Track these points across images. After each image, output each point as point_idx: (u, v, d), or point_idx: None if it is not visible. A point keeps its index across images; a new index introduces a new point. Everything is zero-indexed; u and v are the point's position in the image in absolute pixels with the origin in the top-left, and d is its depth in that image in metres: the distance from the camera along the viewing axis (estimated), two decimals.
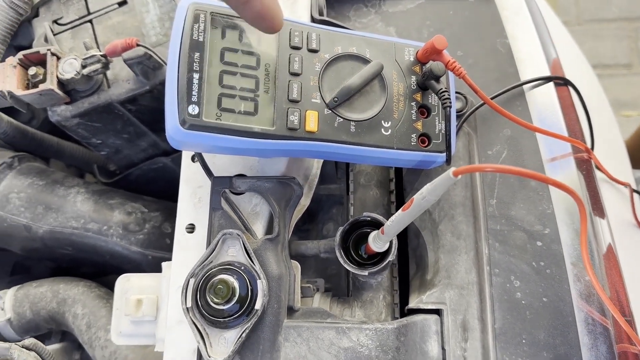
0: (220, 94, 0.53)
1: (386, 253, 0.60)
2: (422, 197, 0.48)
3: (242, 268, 0.53)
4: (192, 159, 0.63)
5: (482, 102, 0.64)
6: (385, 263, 0.59)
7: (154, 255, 0.77)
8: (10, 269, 0.93)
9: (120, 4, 0.76)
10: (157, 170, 0.86)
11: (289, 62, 0.55)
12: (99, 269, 0.86)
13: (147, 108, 0.73)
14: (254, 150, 0.54)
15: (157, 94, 0.71)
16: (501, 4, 0.73)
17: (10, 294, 0.76)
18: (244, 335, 0.51)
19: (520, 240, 0.62)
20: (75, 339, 0.77)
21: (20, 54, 0.68)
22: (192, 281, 0.53)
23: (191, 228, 0.60)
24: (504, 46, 0.71)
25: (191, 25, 0.53)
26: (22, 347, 0.64)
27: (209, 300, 0.51)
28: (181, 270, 0.58)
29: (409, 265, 0.69)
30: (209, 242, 0.57)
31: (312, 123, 0.54)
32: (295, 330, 0.55)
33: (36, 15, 0.77)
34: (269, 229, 0.59)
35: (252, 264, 0.53)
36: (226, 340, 0.52)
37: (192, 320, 0.51)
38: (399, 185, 0.74)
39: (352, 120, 0.56)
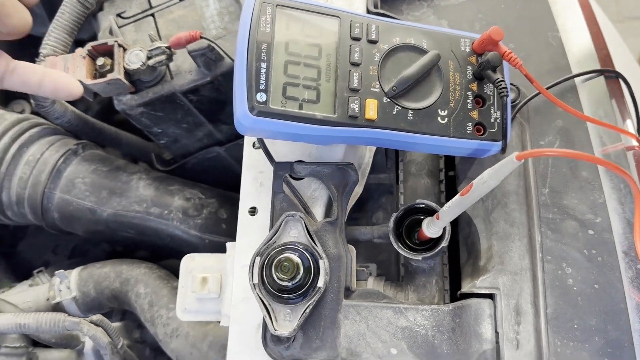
0: (285, 83, 0.56)
1: (439, 239, 0.62)
2: (483, 181, 0.49)
3: (304, 248, 0.56)
4: (254, 145, 0.65)
5: (537, 92, 0.65)
6: (439, 248, 0.61)
7: (210, 240, 0.80)
8: (69, 253, 0.98)
9: None
10: (211, 160, 0.90)
11: (350, 52, 0.58)
12: (158, 253, 0.89)
13: (206, 99, 0.77)
14: (315, 137, 0.57)
15: (217, 85, 0.75)
16: None
17: (74, 273, 0.80)
18: (307, 310, 0.53)
19: (572, 229, 0.63)
20: (135, 318, 0.81)
21: (88, 45, 0.72)
22: (257, 259, 0.55)
23: (253, 211, 0.63)
24: (555, 39, 0.72)
25: (258, 17, 0.56)
26: (90, 322, 0.68)
27: (274, 277, 0.54)
28: (245, 250, 0.61)
29: (459, 252, 0.71)
30: (271, 224, 0.60)
31: (371, 111, 0.57)
32: (354, 309, 0.58)
33: (101, 9, 0.82)
34: (327, 213, 0.62)
35: (313, 244, 0.56)
36: (290, 315, 0.54)
37: (259, 296, 0.54)
38: (449, 174, 0.75)
39: (410, 109, 0.58)
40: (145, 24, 0.79)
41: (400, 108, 0.57)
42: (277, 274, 0.54)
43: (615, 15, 2.67)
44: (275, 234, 0.57)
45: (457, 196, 0.53)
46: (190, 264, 0.65)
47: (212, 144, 0.88)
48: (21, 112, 0.95)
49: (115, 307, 0.80)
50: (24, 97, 0.99)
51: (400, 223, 0.64)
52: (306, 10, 0.59)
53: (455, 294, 0.70)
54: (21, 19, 0.58)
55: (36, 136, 0.85)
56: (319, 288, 0.54)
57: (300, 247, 0.56)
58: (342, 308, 0.57)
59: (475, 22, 0.74)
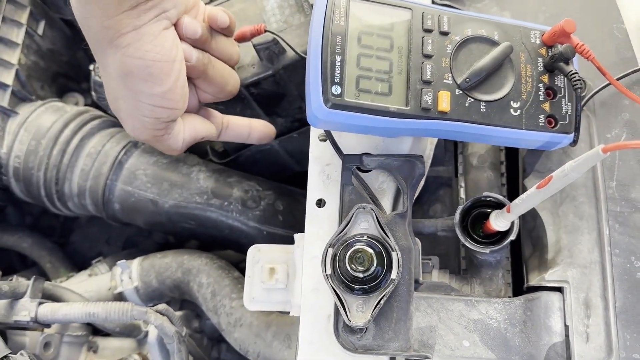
0: (358, 76, 0.56)
1: (506, 232, 0.61)
2: (565, 174, 0.49)
3: (377, 240, 0.56)
4: (320, 139, 0.66)
5: (606, 84, 0.65)
6: (507, 241, 0.61)
7: (268, 231, 0.81)
8: (122, 244, 1.00)
9: None
10: (264, 152, 0.91)
11: (422, 44, 0.58)
12: (211, 243, 0.91)
13: (266, 92, 0.77)
14: (388, 129, 0.57)
15: (278, 78, 0.75)
16: None
17: (136, 264, 0.82)
18: (382, 302, 0.54)
19: None
20: (193, 308, 0.82)
21: None
22: (330, 251, 0.56)
23: (320, 202, 0.63)
24: (620, 31, 0.71)
25: (332, 10, 0.57)
26: (156, 311, 0.69)
27: (348, 268, 0.55)
28: (314, 242, 0.61)
29: (520, 245, 0.71)
30: (340, 216, 0.60)
31: (444, 103, 0.57)
32: (425, 301, 0.58)
33: None
34: (394, 205, 0.62)
35: (385, 237, 0.56)
36: (363, 306, 0.55)
37: (332, 287, 0.54)
38: (510, 167, 0.75)
39: (483, 101, 0.57)
40: None
41: (473, 100, 0.57)
42: (352, 265, 0.54)
43: None
44: (347, 225, 0.57)
45: (533, 189, 0.53)
46: (257, 254, 0.65)
47: None
48: (75, 105, 0.97)
49: (176, 297, 0.82)
50: (78, 90, 1.01)
51: (465, 216, 0.64)
52: (378, 2, 0.59)
53: (518, 287, 0.70)
54: (235, 84, 0.68)
55: (97, 128, 0.86)
56: (393, 280, 0.54)
57: (372, 239, 0.56)
58: (413, 300, 0.57)
59: (539, 13, 0.73)
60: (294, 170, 1.00)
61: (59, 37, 0.96)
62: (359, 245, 0.55)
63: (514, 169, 0.75)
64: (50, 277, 0.95)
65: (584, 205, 0.62)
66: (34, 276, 0.71)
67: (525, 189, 0.68)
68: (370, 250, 0.55)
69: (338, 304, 0.54)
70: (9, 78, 0.83)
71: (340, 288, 0.55)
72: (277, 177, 0.96)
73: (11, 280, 0.73)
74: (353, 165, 0.61)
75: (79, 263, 1.00)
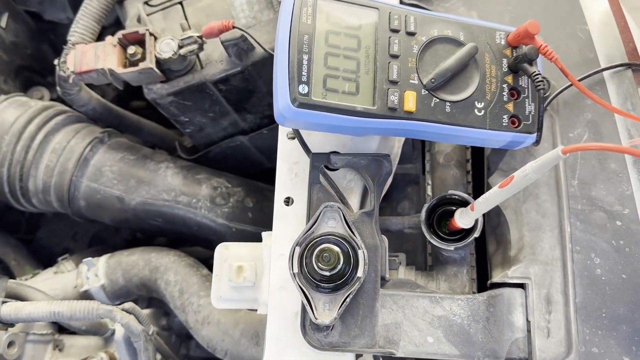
0: (325, 75, 0.56)
1: (470, 230, 0.63)
2: (525, 174, 0.50)
3: (343, 238, 0.57)
4: (288, 136, 0.66)
5: (568, 84, 0.66)
6: (471, 239, 0.62)
7: (237, 228, 0.81)
8: (89, 240, 0.99)
9: None
10: (234, 148, 0.90)
11: (389, 44, 0.58)
12: (179, 240, 0.90)
13: (235, 88, 0.77)
14: (355, 128, 0.58)
15: (247, 74, 0.75)
16: None
17: (102, 261, 0.81)
18: (348, 299, 0.54)
19: (600, 220, 0.64)
20: (161, 306, 0.82)
21: (119, 34, 0.72)
22: (297, 249, 0.56)
23: (288, 201, 0.63)
24: (583, 32, 0.73)
25: (300, 9, 0.57)
26: (122, 309, 0.69)
27: (315, 266, 0.55)
28: (282, 240, 0.62)
29: (484, 242, 0.72)
30: (308, 214, 0.61)
31: (410, 103, 0.57)
32: (391, 298, 0.59)
33: None
34: (361, 203, 0.63)
35: (352, 235, 0.56)
36: (329, 304, 0.55)
37: (299, 285, 0.55)
38: (476, 165, 0.76)
39: (448, 101, 0.58)
40: (174, 12, 0.79)
41: (438, 100, 0.58)
42: (318, 263, 0.55)
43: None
44: (314, 224, 0.57)
45: (496, 188, 0.54)
46: (225, 252, 0.65)
47: (236, 132, 0.88)
48: (41, 99, 0.95)
49: (143, 295, 0.81)
50: (43, 83, 0.99)
51: (431, 213, 0.65)
52: (346, 2, 0.59)
53: (483, 283, 0.71)
54: None
55: (61, 124, 0.84)
56: (359, 278, 0.55)
57: (339, 237, 0.57)
58: (379, 297, 0.58)
59: (505, 14, 0.74)
60: (264, 167, 1.00)
61: (23, 30, 0.94)
62: (325, 244, 0.56)
63: (480, 166, 0.76)
64: (15, 274, 0.93)
65: (546, 203, 0.64)
66: (6, 278, 0.69)
67: (489, 187, 0.69)
68: (337, 249, 0.55)
69: (305, 302, 0.55)
70: None
71: (307, 286, 0.56)
72: (248, 174, 0.95)
73: None
74: (321, 164, 0.62)
75: (44, 259, 0.98)
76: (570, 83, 0.67)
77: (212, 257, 0.95)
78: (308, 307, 0.54)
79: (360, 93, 0.57)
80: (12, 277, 0.93)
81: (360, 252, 0.56)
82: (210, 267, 0.82)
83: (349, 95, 0.56)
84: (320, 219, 0.58)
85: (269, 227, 0.85)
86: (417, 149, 0.80)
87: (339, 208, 0.57)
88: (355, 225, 0.58)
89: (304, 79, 0.55)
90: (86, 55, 0.72)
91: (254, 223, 0.82)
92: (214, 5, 0.78)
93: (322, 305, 0.56)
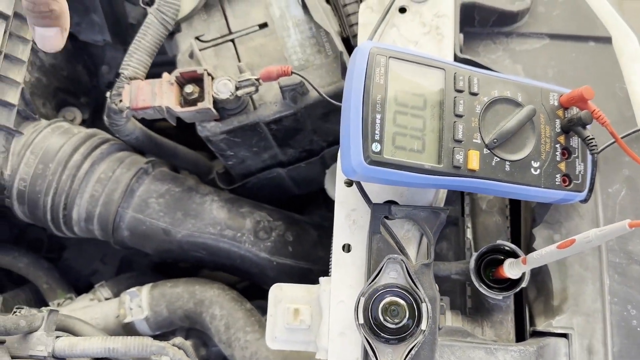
0: (394, 133, 0.58)
1: (518, 279, 0.66)
2: (588, 240, 0.53)
3: (406, 290, 0.59)
4: (346, 184, 0.68)
5: (610, 142, 0.70)
6: (519, 289, 0.65)
7: (278, 262, 0.83)
8: (117, 263, 0.99)
9: (261, 26, 0.81)
10: (270, 179, 0.92)
11: (454, 104, 0.61)
12: (224, 270, 0.91)
13: (285, 128, 0.79)
14: (422, 184, 0.60)
15: (299, 116, 0.77)
16: (619, 50, 0.78)
17: (145, 292, 0.81)
18: (412, 352, 0.57)
19: (636, 273, 0.68)
20: (199, 336, 0.83)
21: (177, 72, 0.73)
22: (362, 300, 0.58)
23: (347, 247, 0.65)
24: (621, 91, 0.77)
25: (373, 69, 0.59)
26: (173, 344, 0.70)
27: (382, 319, 0.57)
28: (341, 287, 0.64)
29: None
30: (368, 263, 0.63)
31: (474, 162, 0.60)
32: (449, 349, 0.61)
33: (178, 30, 0.82)
34: (419, 253, 0.65)
35: (415, 288, 0.59)
36: (392, 354, 0.58)
37: (365, 336, 0.57)
38: (513, 211, 0.80)
39: (508, 160, 0.61)
40: (225, 50, 0.80)
41: (499, 159, 0.61)
42: (387, 317, 0.57)
43: None
44: (377, 275, 0.60)
45: (554, 247, 0.57)
46: (279, 293, 0.67)
47: (274, 165, 0.90)
48: (72, 120, 0.95)
49: (185, 326, 0.82)
50: (76, 104, 0.99)
51: (477, 261, 0.68)
52: (414, 62, 0.61)
53: (518, 328, 0.75)
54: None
55: (106, 153, 0.85)
56: (423, 331, 0.57)
57: (403, 289, 0.59)
58: (437, 348, 0.61)
59: (548, 68, 0.77)
60: (292, 194, 1.01)
61: (60, 51, 0.93)
62: (391, 297, 0.58)
63: (517, 212, 0.80)
64: (47, 298, 0.93)
65: (589, 257, 0.67)
66: (49, 309, 0.69)
67: (533, 238, 0.73)
68: (404, 303, 0.58)
69: (370, 352, 0.57)
70: (14, 97, 0.80)
71: (372, 337, 0.58)
72: (279, 203, 0.97)
73: (21, 311, 0.71)
74: (382, 215, 0.64)
75: (72, 281, 0.98)
76: (613, 141, 0.71)
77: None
78: (373, 358, 0.57)
79: (426, 151, 0.59)
80: (44, 300, 0.93)
81: (423, 306, 0.58)
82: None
83: (416, 153, 0.59)
84: (382, 270, 0.60)
85: (307, 260, 0.88)
86: (455, 192, 0.83)
87: (402, 260, 0.60)
88: (416, 277, 0.61)
89: (377, 137, 0.57)
90: (142, 92, 0.72)
91: (294, 257, 0.84)
92: (266, 45, 0.79)
93: (385, 355, 0.58)
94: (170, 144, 0.93)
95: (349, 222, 0.67)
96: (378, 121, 0.58)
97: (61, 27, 0.55)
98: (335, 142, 0.89)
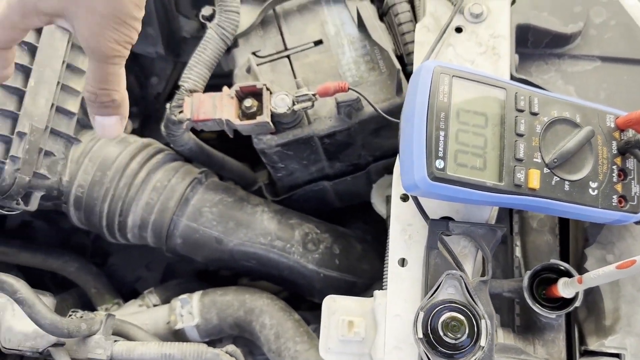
0: (456, 150, 0.60)
1: (571, 299, 0.66)
2: None
3: (465, 306, 0.60)
4: (402, 199, 0.69)
5: None
6: (572, 308, 0.66)
7: (325, 274, 0.84)
8: (162, 270, 1.01)
9: (316, 43, 0.83)
10: (316, 192, 0.94)
11: (515, 123, 0.62)
12: (271, 281, 0.93)
13: (337, 142, 0.80)
14: (481, 201, 0.61)
15: (352, 131, 0.78)
16: None
17: (196, 299, 0.83)
18: None
19: None
20: (246, 344, 0.84)
21: (237, 86, 0.75)
22: (421, 314, 0.59)
23: (402, 262, 0.66)
24: None
25: (437, 87, 0.60)
26: (226, 352, 0.71)
27: (442, 334, 0.58)
28: (396, 300, 0.65)
29: None
30: (426, 278, 0.64)
31: (535, 181, 0.61)
32: None
33: (235, 45, 0.85)
34: (474, 270, 0.66)
35: (474, 304, 0.60)
36: None
37: (424, 351, 0.58)
38: (562, 231, 0.80)
39: (567, 180, 0.62)
40: (281, 65, 0.82)
41: (558, 179, 0.62)
42: (446, 332, 0.58)
43: None
44: (435, 290, 0.61)
45: (612, 268, 0.57)
46: (333, 305, 0.68)
47: (320, 178, 0.92)
48: (124, 129, 0.97)
49: (234, 334, 0.83)
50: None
51: (531, 279, 0.69)
52: (476, 81, 0.63)
53: (568, 348, 0.75)
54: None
55: (161, 162, 0.87)
56: (482, 347, 0.58)
57: (461, 305, 0.60)
58: None
59: (600, 90, 0.78)
60: (334, 208, 1.03)
61: None
62: (451, 313, 0.59)
63: (565, 231, 0.80)
64: (95, 303, 0.95)
65: None
66: (107, 314, 0.71)
67: (586, 257, 0.73)
68: (463, 319, 0.58)
69: None
70: (75, 106, 0.83)
71: (431, 351, 0.59)
72: (319, 213, 0.98)
73: (76, 315, 0.73)
74: (439, 231, 0.65)
75: (117, 287, 1.00)
76: None
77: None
78: None
79: (488, 168, 0.60)
80: (91, 305, 0.95)
81: (482, 322, 0.59)
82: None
83: (478, 170, 0.60)
84: (441, 286, 0.61)
85: (352, 273, 0.89)
86: (504, 209, 0.83)
87: (460, 276, 0.61)
88: (475, 293, 0.62)
89: (440, 154, 0.58)
90: (204, 104, 0.75)
91: (340, 269, 0.85)
92: (321, 62, 0.81)
93: None
94: (219, 155, 0.95)
95: (405, 236, 0.68)
96: (442, 138, 0.59)
97: (121, 115, 0.56)
98: (382, 157, 0.90)
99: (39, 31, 0.81)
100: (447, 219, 0.67)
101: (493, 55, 0.74)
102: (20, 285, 0.65)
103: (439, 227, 0.66)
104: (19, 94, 0.77)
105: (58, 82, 0.81)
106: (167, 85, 1.12)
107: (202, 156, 0.91)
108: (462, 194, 0.59)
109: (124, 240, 0.89)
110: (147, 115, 1.12)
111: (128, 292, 1.00)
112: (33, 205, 0.80)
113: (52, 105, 0.80)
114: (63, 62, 0.82)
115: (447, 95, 0.60)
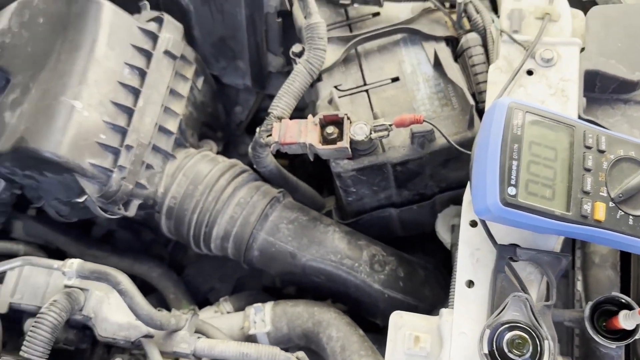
0: (527, 180, 0.65)
1: (632, 330, 0.69)
2: None
3: (530, 327, 0.64)
4: (471, 224, 0.74)
5: None
6: (633, 339, 0.68)
7: (389, 295, 0.89)
8: (233, 283, 1.09)
9: (393, 80, 0.91)
10: (381, 218, 0.99)
11: (583, 159, 0.67)
12: (337, 298, 0.98)
13: (408, 171, 0.87)
14: (550, 229, 0.66)
15: (423, 161, 0.85)
16: None
17: (268, 308, 0.89)
18: None
19: None
20: (311, 356, 0.89)
21: (320, 115, 0.83)
22: (487, 332, 0.63)
23: (469, 284, 0.71)
24: None
25: (511, 120, 0.66)
26: (297, 358, 0.77)
27: (506, 351, 0.62)
28: (463, 319, 0.69)
29: None
30: (492, 299, 0.68)
31: (600, 213, 0.65)
32: None
33: (320, 79, 0.94)
34: (538, 296, 0.70)
35: (538, 325, 0.64)
36: None
37: None
38: (625, 267, 0.83)
39: (631, 215, 0.66)
40: (360, 98, 0.90)
41: (623, 213, 0.66)
42: (511, 349, 0.62)
43: None
44: (502, 310, 0.65)
45: None
46: (400, 320, 0.73)
47: (386, 205, 0.98)
48: (210, 150, 1.07)
49: (301, 345, 0.89)
50: (213, 137, 1.12)
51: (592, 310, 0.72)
52: (548, 118, 0.68)
53: None
54: None
55: (245, 180, 0.96)
56: None
57: (525, 325, 0.64)
58: None
59: None
60: (396, 235, 1.08)
61: (208, 91, 1.08)
62: (517, 331, 0.63)
63: (627, 267, 0.82)
64: (172, 307, 1.02)
65: None
66: (192, 312, 0.78)
67: None
68: (528, 337, 0.62)
69: None
70: (174, 126, 0.94)
71: None
72: (381, 240, 1.03)
73: (162, 312, 0.80)
74: (507, 256, 0.70)
75: (192, 295, 1.08)
76: None
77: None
78: None
79: (556, 198, 0.65)
80: (169, 309, 1.02)
81: (545, 343, 0.63)
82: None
83: (547, 200, 0.65)
84: (507, 306, 0.65)
85: (415, 297, 0.93)
86: (567, 244, 0.87)
87: (526, 299, 0.65)
88: (539, 316, 0.66)
89: (513, 181, 0.64)
90: (290, 130, 0.83)
91: (404, 292, 0.90)
92: (397, 96, 0.89)
93: None
94: (294, 178, 1.03)
95: (473, 260, 0.73)
96: (514, 167, 0.64)
97: None
98: (447, 188, 0.95)
99: (148, 58, 0.93)
100: (514, 245, 0.72)
101: (562, 97, 0.79)
102: (123, 278, 0.74)
103: (507, 253, 0.70)
104: (129, 112, 0.89)
105: (162, 104, 0.92)
106: (249, 115, 1.23)
107: (279, 178, 0.99)
108: (532, 220, 0.64)
109: (207, 250, 0.97)
110: (229, 140, 1.22)
111: (201, 301, 1.08)
112: (131, 212, 0.90)
113: (156, 124, 0.91)
114: (167, 87, 0.93)
115: (520, 129, 0.66)
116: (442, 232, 0.93)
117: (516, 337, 0.63)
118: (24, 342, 0.71)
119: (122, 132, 0.87)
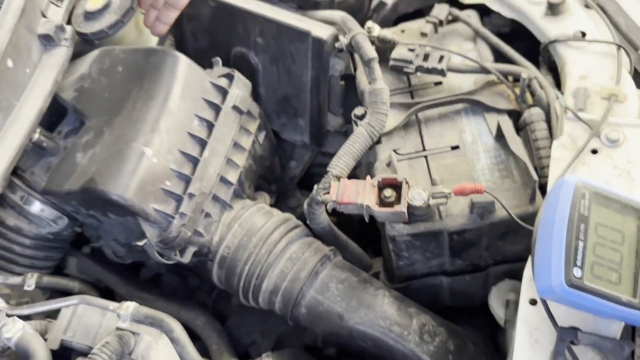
0: (593, 262, 0.63)
1: None
2: None
3: None
4: (530, 303, 0.72)
5: None
6: None
7: None
8: (275, 338, 1.08)
9: (453, 148, 0.92)
10: (431, 286, 0.98)
11: None
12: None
13: (464, 240, 0.86)
14: (614, 315, 0.64)
15: (481, 232, 0.84)
16: None
17: None
18: None
19: None
20: None
21: (379, 177, 0.84)
22: None
23: None
24: None
25: (578, 201, 0.65)
26: None
27: None
28: None
29: None
30: None
31: None
32: None
33: (379, 142, 0.96)
34: None
35: None
36: None
37: None
38: None
39: None
40: (418, 164, 0.91)
41: None
42: None
43: None
44: None
45: None
46: None
47: (437, 272, 0.96)
48: (264, 203, 1.09)
49: None
50: (267, 190, 1.15)
51: None
52: (615, 200, 0.67)
53: None
54: None
55: (298, 236, 0.97)
56: None
57: None
58: None
59: None
60: (444, 305, 1.05)
61: (268, 145, 1.11)
62: None
63: None
64: (214, 358, 1.02)
65: None
66: None
67: None
68: None
69: None
70: (234, 177, 0.97)
71: None
72: (428, 308, 1.01)
73: None
74: (568, 339, 0.67)
75: (233, 347, 1.07)
76: None
77: None
78: None
79: (622, 283, 0.63)
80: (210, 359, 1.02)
81: None
82: None
83: (613, 284, 0.63)
84: None
85: None
86: (627, 330, 0.83)
87: None
88: None
89: (579, 263, 0.62)
90: (348, 189, 0.84)
91: None
92: (456, 164, 0.89)
93: None
94: (344, 237, 1.03)
95: (531, 340, 0.70)
96: (580, 249, 0.63)
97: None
98: (502, 261, 0.93)
99: (217, 111, 0.97)
100: (575, 328, 0.69)
101: (628, 178, 0.78)
102: (176, 326, 0.75)
103: (568, 336, 0.68)
104: (195, 162, 0.92)
105: (225, 156, 0.95)
106: (302, 170, 1.25)
107: (331, 236, 0.99)
108: (596, 304, 0.62)
109: (254, 302, 0.97)
110: (280, 194, 1.24)
111: (241, 354, 1.07)
112: (187, 258, 0.91)
113: (218, 174, 0.93)
114: (232, 139, 0.97)
115: (587, 209, 0.65)
116: (496, 307, 0.90)
117: None
118: None
119: (187, 180, 0.90)
